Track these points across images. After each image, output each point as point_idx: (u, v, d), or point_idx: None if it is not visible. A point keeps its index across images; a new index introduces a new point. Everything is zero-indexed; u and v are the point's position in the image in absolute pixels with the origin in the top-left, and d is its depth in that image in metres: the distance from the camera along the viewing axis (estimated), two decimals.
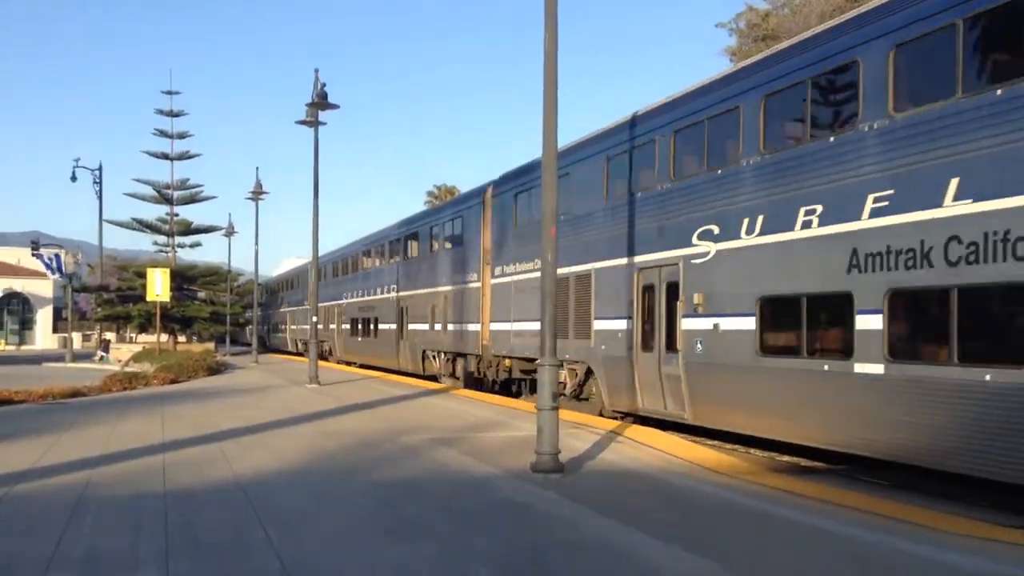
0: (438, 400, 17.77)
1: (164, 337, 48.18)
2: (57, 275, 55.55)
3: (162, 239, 49.50)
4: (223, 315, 48.62)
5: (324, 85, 21.61)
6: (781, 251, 10.56)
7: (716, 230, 11.85)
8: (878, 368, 9.03)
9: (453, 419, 14.19)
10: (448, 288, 23.22)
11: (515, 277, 18.54)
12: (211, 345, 50.36)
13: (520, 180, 18.64)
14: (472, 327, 21.21)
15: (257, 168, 35.93)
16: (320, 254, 40.89)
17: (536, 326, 14.78)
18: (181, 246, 50.03)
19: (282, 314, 54.75)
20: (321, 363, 34.56)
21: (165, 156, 48.20)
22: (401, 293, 27.88)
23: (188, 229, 49.06)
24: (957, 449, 8.24)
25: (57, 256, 54.44)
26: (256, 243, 38.70)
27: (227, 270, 50.37)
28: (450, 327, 22.96)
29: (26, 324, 70.11)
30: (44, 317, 69.63)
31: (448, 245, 24.27)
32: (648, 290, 13.50)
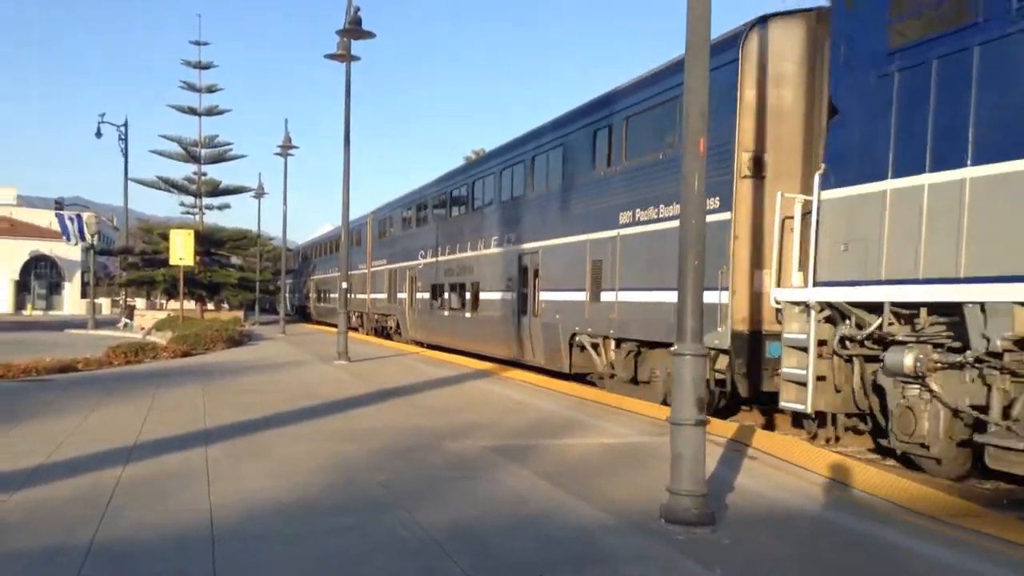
0: (489, 385, 14.69)
1: (192, 304, 45.90)
2: (76, 239, 53.45)
3: (189, 200, 46.99)
4: (252, 282, 46.00)
5: (359, 10, 18.47)
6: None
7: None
8: None
9: (514, 414, 11.10)
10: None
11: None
12: (240, 313, 47.82)
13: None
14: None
15: (286, 120, 33.02)
16: (362, 213, 37.65)
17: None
18: (209, 208, 47.54)
19: (326, 280, 51.44)
20: (381, 342, 30.53)
21: (193, 111, 45.50)
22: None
23: (216, 189, 46.44)
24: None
25: (78, 217, 52.22)
26: (284, 203, 35.83)
27: (256, 234, 47.62)
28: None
29: (54, 289, 68.46)
30: (73, 282, 67.75)
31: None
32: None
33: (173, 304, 48.76)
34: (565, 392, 13.47)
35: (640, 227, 13.37)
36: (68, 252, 65.25)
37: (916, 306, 8.29)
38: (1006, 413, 7.49)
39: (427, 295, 26.08)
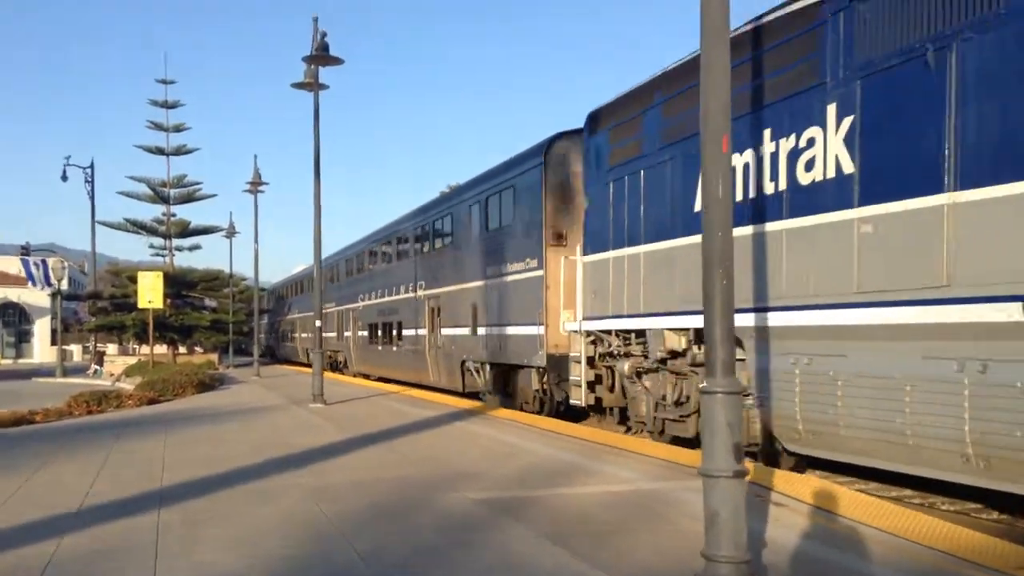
0: (475, 426, 13.68)
1: (163, 348, 44.54)
2: (42, 284, 51.93)
3: (159, 242, 45.64)
4: (225, 323, 44.70)
5: (325, 35, 17.65)
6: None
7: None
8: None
9: (505, 459, 10.10)
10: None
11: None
12: (214, 356, 46.47)
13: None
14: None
15: (255, 156, 32.07)
16: (329, 253, 37.85)
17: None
18: (179, 249, 46.11)
19: (291, 321, 50.95)
20: (335, 376, 31.08)
21: (160, 151, 44.31)
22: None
23: (186, 230, 45.12)
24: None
25: (43, 262, 50.79)
26: (256, 240, 35.04)
27: (228, 274, 46.40)
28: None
29: (23, 336, 66.57)
30: (42, 328, 66.02)
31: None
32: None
33: (146, 349, 47.34)
34: (557, 432, 12.49)
35: (501, 278, 17.85)
36: (37, 299, 63.56)
37: (628, 331, 12.43)
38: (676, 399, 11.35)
39: (365, 333, 30.38)
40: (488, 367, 18.79)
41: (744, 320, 9.32)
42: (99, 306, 45.39)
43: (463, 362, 20.12)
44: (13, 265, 65.88)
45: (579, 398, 13.79)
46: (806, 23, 9.09)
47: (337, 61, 18.02)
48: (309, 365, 40.49)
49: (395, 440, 12.02)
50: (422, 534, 6.47)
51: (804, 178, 8.90)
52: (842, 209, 8.35)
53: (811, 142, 8.83)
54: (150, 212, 45.30)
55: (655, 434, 11.76)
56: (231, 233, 46.20)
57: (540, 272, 15.74)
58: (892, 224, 7.76)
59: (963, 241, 7.03)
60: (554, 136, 16.16)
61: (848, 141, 8.33)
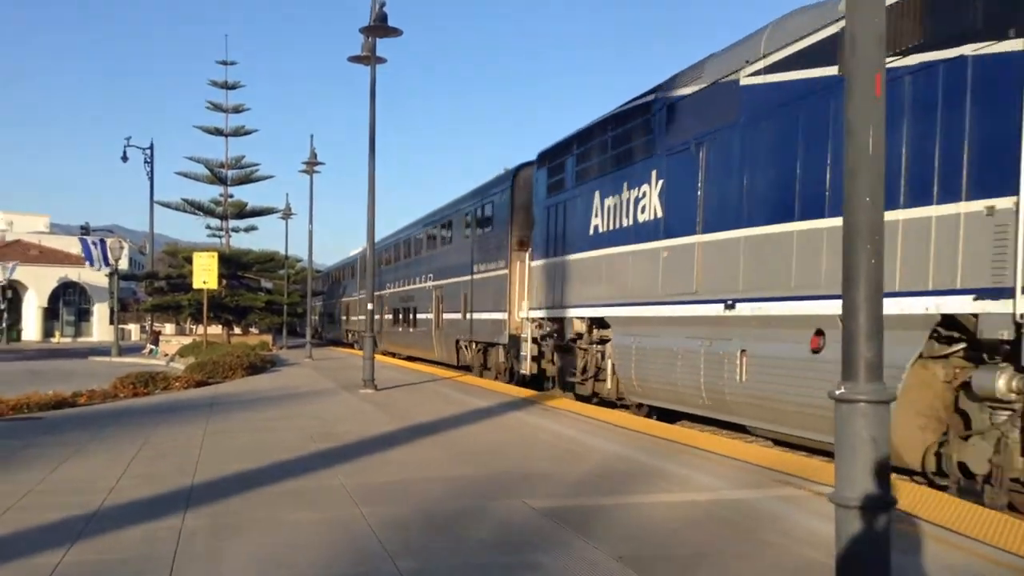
0: (534, 418, 12.73)
1: (219, 329, 44.53)
2: (100, 264, 52.21)
3: (215, 223, 45.63)
4: (280, 305, 44.43)
5: (383, 5, 16.74)
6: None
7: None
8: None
9: (569, 457, 9.14)
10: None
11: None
12: (268, 337, 46.29)
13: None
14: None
15: (311, 136, 31.41)
16: (380, 237, 37.62)
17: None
18: (236, 230, 46.12)
19: (340, 304, 50.71)
20: (385, 359, 30.66)
21: (219, 132, 44.23)
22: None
23: (243, 211, 45.00)
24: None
25: (101, 242, 51.03)
26: (310, 221, 34.35)
27: (284, 256, 46.11)
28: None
29: (83, 315, 67.46)
30: (102, 308, 66.74)
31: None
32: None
33: (210, 329, 47.34)
34: (622, 426, 11.47)
35: (482, 275, 22.45)
36: (97, 279, 64.23)
37: (554, 319, 16.89)
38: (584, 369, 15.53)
39: (391, 316, 36.12)
40: (474, 344, 23.53)
41: (611, 311, 14.26)
42: (156, 286, 45.52)
43: (457, 341, 25.16)
44: (74, 245, 66.76)
45: (526, 368, 18.32)
46: (645, 113, 13.31)
47: (395, 32, 17.09)
48: (353, 346, 41.61)
49: (447, 432, 11.13)
50: (476, 551, 5.55)
51: (641, 218, 13.20)
52: (655, 240, 12.64)
53: (645, 194, 13.06)
54: (208, 193, 45.51)
55: (588, 397, 15.62)
56: (287, 214, 45.90)
57: (506, 271, 20.34)
58: (676, 252, 12.00)
59: (703, 266, 11.32)
60: (521, 164, 20.50)
61: (660, 196, 12.58)
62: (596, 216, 14.95)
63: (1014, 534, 5.67)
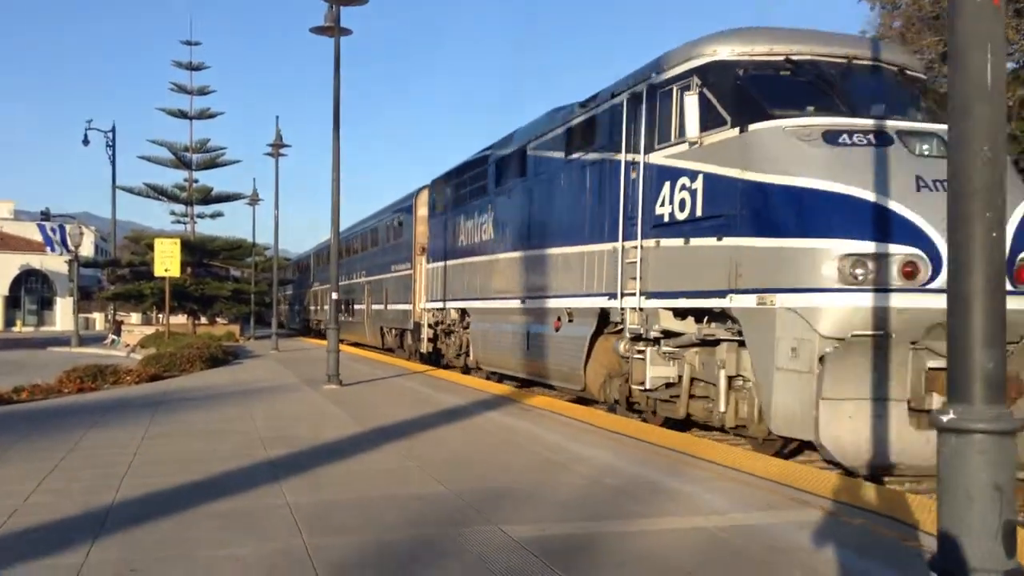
0: (512, 419, 11.63)
1: (183, 319, 43.10)
2: (61, 249, 50.56)
3: (180, 208, 44.02)
4: (247, 294, 42.99)
5: None
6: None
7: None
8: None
9: (555, 469, 8.04)
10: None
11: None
12: (235, 328, 44.84)
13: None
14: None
15: (277, 118, 29.98)
16: (346, 227, 36.85)
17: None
18: (201, 216, 44.56)
19: (312, 293, 49.42)
20: (354, 351, 29.66)
21: (183, 115, 42.63)
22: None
23: (208, 196, 43.48)
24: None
25: (61, 228, 49.33)
26: (276, 206, 32.77)
27: (251, 243, 44.62)
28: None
29: (46, 304, 65.53)
30: (66, 297, 64.87)
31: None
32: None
33: (175, 319, 45.75)
34: (609, 429, 10.39)
35: (395, 274, 26.96)
36: (61, 266, 62.32)
37: (440, 309, 21.43)
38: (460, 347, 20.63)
39: (300, 306, 44.05)
40: (392, 330, 28.09)
41: (469, 304, 19.09)
42: (118, 274, 43.94)
43: (381, 327, 29.64)
44: (36, 232, 64.79)
45: (424, 348, 23.04)
46: (484, 164, 18.39)
47: (360, 0, 15.93)
48: (323, 336, 41.98)
49: (415, 436, 10.00)
50: None
51: (483, 237, 18.00)
52: (489, 254, 17.55)
53: (484, 220, 17.93)
54: (173, 178, 43.96)
55: (459, 369, 20.45)
56: (254, 200, 44.51)
57: (411, 271, 24.80)
58: (498, 263, 16.98)
59: (510, 273, 16.43)
60: (421, 187, 24.61)
61: (491, 223, 17.49)
62: (461, 233, 19.91)
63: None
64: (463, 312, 19.85)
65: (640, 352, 11.24)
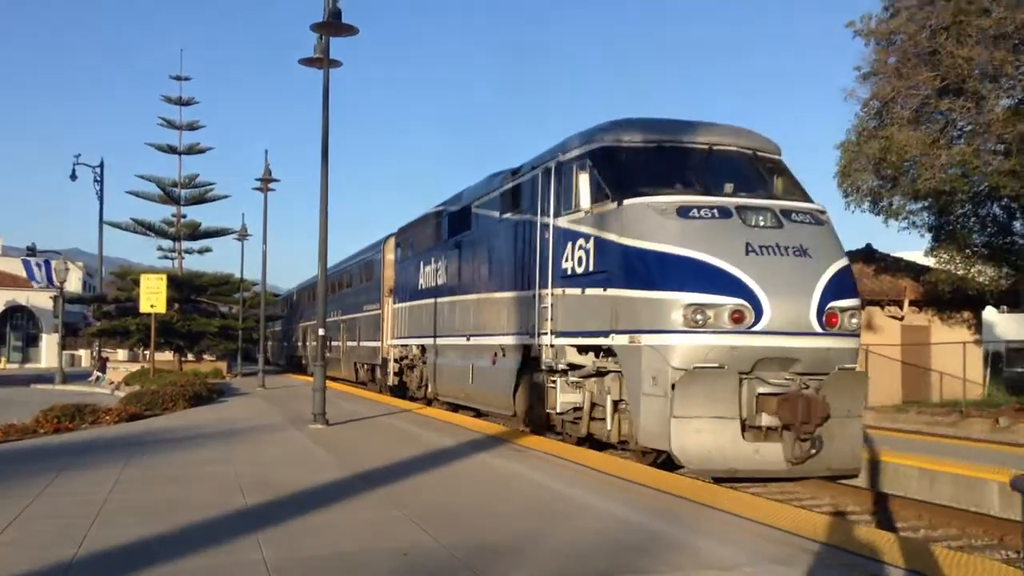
0: (505, 462, 11.10)
1: (170, 355, 42.44)
2: (45, 282, 49.92)
3: (168, 244, 43.45)
4: (235, 330, 42.35)
5: (337, 1, 15.23)
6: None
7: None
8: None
9: (551, 520, 7.51)
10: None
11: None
12: (223, 364, 44.14)
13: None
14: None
15: (266, 151, 29.59)
16: (336, 261, 36.78)
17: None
18: (189, 252, 43.88)
19: (301, 329, 48.88)
20: (369, 394, 29.00)
21: (172, 150, 42.16)
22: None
23: (196, 232, 42.89)
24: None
25: (46, 263, 48.67)
26: (264, 241, 32.25)
27: (239, 279, 44.04)
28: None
29: (31, 340, 64.58)
30: (51, 333, 63.97)
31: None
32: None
33: (161, 355, 44.99)
34: (611, 474, 9.88)
35: (366, 313, 29.05)
36: (47, 302, 61.52)
37: (404, 345, 23.57)
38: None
39: (315, 343, 44.71)
40: (364, 365, 29.99)
41: (426, 341, 21.23)
42: (104, 310, 43.27)
43: (355, 362, 31.53)
44: (23, 268, 64.03)
45: (391, 381, 24.99)
46: (438, 217, 20.76)
47: (350, 30, 15.57)
48: (309, 373, 42.10)
49: (403, 482, 9.47)
50: None
51: (437, 282, 20.18)
52: (441, 297, 19.72)
53: (438, 268, 20.19)
54: (161, 213, 43.26)
55: (422, 401, 21.92)
56: (243, 235, 43.93)
57: (379, 311, 26.62)
58: (448, 306, 19.05)
59: (458, 314, 18.46)
60: (390, 234, 26.61)
61: (445, 269, 19.60)
62: (420, 278, 21.95)
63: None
64: (423, 348, 21.95)
65: (553, 382, 13.50)
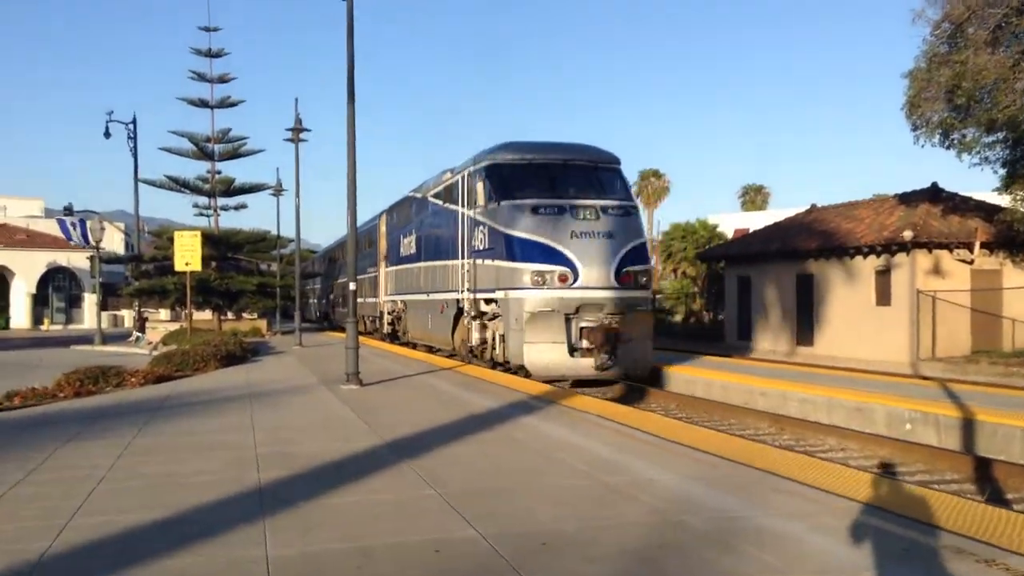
0: (551, 427, 10.02)
1: (209, 314, 42.01)
2: (81, 242, 49.69)
3: (203, 201, 42.70)
4: (273, 287, 41.68)
5: None
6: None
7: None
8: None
9: (608, 500, 6.42)
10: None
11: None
12: (262, 322, 43.61)
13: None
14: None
15: (296, 100, 28.20)
16: (367, 217, 36.69)
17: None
18: (225, 209, 43.02)
19: (339, 285, 48.21)
20: (376, 344, 28.42)
21: (204, 104, 41.13)
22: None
23: (231, 188, 41.93)
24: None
25: (81, 222, 48.33)
26: (297, 195, 31.30)
27: (276, 236, 43.26)
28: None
29: (74, 302, 64.76)
30: (93, 294, 64.10)
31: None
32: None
33: (200, 314, 44.50)
34: (672, 440, 8.75)
35: (369, 274, 32.87)
36: (87, 264, 61.50)
37: (393, 301, 29.19)
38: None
39: (327, 301, 49.80)
40: (368, 317, 34.18)
41: (406, 297, 26.26)
42: (143, 269, 42.82)
43: (362, 315, 34.18)
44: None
45: (385, 330, 29.96)
46: (411, 201, 25.95)
47: None
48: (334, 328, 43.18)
49: (439, 452, 8.42)
50: None
51: (411, 251, 25.09)
52: (415, 263, 24.50)
53: (410, 240, 25.26)
54: (194, 169, 42.73)
55: (408, 345, 26.73)
56: (278, 191, 43.12)
57: (377, 273, 31.21)
58: (418, 270, 24.19)
59: (423, 276, 23.57)
60: (383, 210, 31.42)
61: (415, 242, 24.75)
62: (401, 247, 26.78)
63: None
64: (404, 303, 27.13)
65: (471, 324, 19.10)
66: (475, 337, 18.85)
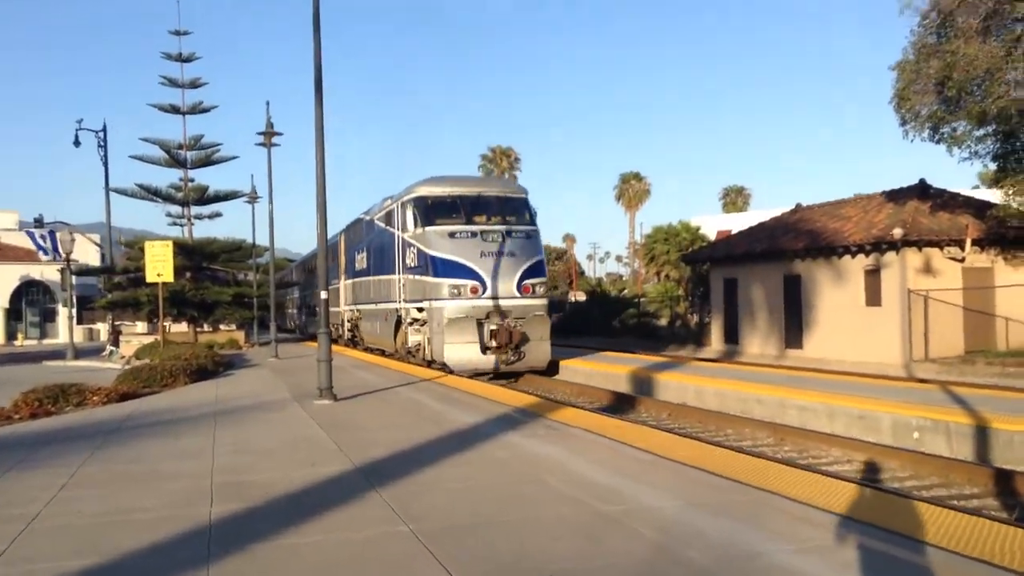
0: (537, 445, 9.27)
1: (184, 326, 40.97)
2: (52, 255, 48.55)
3: (176, 210, 41.64)
4: (249, 298, 40.70)
5: None
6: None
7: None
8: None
9: (601, 531, 5.68)
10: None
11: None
12: (240, 334, 42.60)
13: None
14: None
15: (267, 103, 27.08)
16: (346, 222, 36.03)
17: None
18: (199, 217, 41.98)
19: (316, 295, 47.53)
20: (352, 353, 27.72)
21: (176, 110, 40.12)
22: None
23: (204, 196, 40.92)
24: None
25: (51, 234, 47.16)
26: (270, 201, 30.35)
27: (251, 244, 42.28)
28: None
29: (48, 315, 63.36)
30: (67, 308, 62.68)
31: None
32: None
33: (178, 327, 43.34)
34: (667, 457, 8.03)
35: (333, 286, 34.46)
36: (59, 276, 60.14)
37: (351, 309, 32.79)
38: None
39: (308, 311, 49.65)
40: (335, 326, 34.54)
41: (361, 307, 29.87)
42: (115, 281, 41.75)
43: (333, 324, 34.86)
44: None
45: (346, 337, 32.64)
46: (360, 222, 29.73)
47: None
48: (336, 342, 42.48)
49: (415, 477, 7.64)
50: None
51: (362, 266, 28.86)
52: (364, 277, 28.41)
53: (363, 256, 28.66)
54: (170, 178, 41.61)
55: (366, 350, 29.19)
56: (253, 198, 42.10)
57: (339, 284, 33.89)
58: (366, 283, 28.27)
59: (371, 288, 27.40)
60: (341, 229, 34.24)
61: (365, 258, 28.31)
62: (355, 263, 29.79)
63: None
64: (359, 312, 30.13)
65: (407, 330, 22.43)
66: (412, 340, 22.38)
